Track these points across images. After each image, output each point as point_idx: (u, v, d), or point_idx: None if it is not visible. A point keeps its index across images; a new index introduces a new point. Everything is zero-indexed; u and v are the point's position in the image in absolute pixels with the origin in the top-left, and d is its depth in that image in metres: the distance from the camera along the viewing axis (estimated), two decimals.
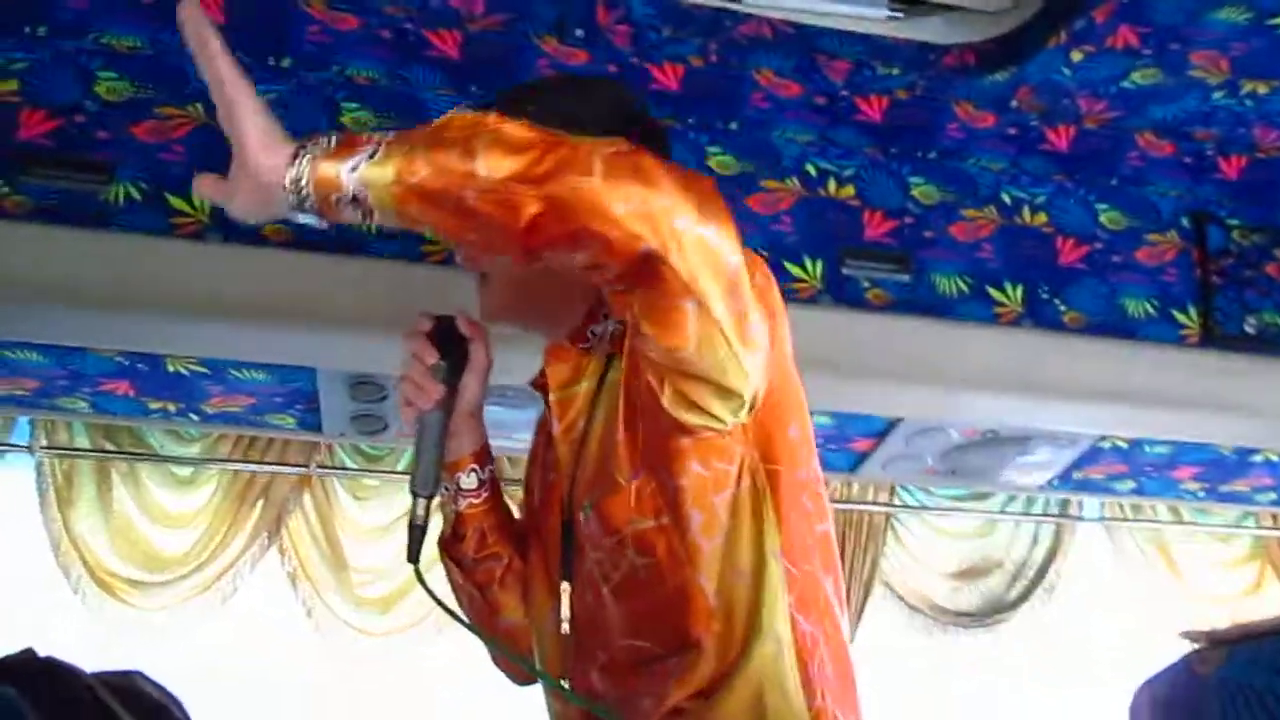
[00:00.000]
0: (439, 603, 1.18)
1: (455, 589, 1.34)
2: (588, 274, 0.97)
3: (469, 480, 1.28)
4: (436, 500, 1.20)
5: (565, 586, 1.17)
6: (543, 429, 1.36)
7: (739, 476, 1.11)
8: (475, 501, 1.29)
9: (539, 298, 1.26)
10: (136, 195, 1.70)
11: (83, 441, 2.57)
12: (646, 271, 0.92)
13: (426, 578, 1.16)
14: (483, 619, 1.32)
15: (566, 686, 1.14)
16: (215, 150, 1.70)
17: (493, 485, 1.31)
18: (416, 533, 1.16)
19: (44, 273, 1.63)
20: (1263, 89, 1.84)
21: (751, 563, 1.10)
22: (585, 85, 1.43)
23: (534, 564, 1.28)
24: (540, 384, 1.27)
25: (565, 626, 1.16)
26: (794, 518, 1.13)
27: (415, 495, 1.17)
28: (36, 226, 1.65)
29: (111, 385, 2.11)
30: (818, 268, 1.95)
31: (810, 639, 1.11)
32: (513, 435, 1.95)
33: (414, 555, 1.16)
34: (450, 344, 1.22)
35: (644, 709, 1.11)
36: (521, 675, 1.38)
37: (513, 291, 1.27)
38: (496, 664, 1.39)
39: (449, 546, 1.30)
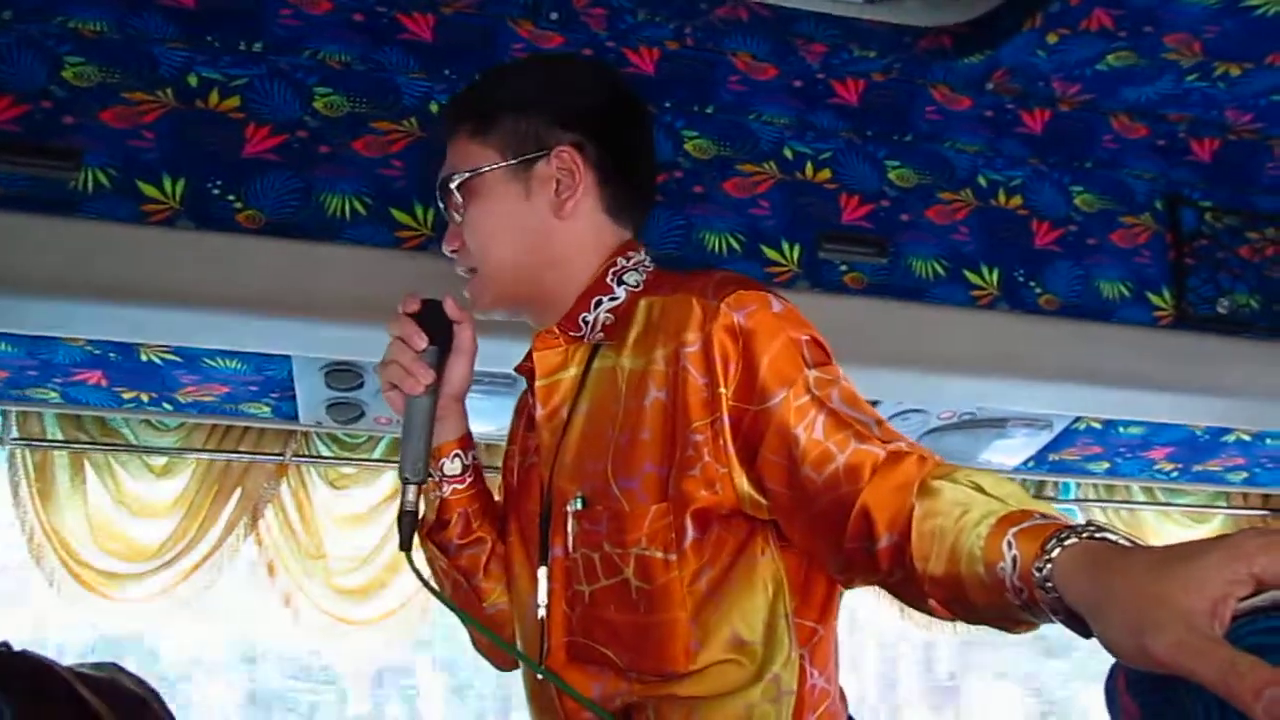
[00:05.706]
0: (429, 588, 1.18)
1: (439, 575, 1.33)
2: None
3: (453, 466, 1.28)
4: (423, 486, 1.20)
5: (543, 571, 1.16)
6: (521, 412, 1.35)
7: (759, 537, 1.11)
8: (459, 487, 1.28)
9: (537, 286, 1.26)
10: (105, 182, 1.67)
11: (55, 432, 2.54)
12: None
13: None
14: (468, 605, 1.32)
15: (546, 670, 1.13)
16: (185, 135, 1.71)
17: (475, 471, 1.31)
18: (408, 518, 1.16)
19: (12, 261, 1.60)
20: (1235, 71, 1.85)
21: (763, 616, 1.09)
22: (561, 69, 1.38)
23: (513, 545, 1.27)
24: (525, 368, 1.26)
25: (542, 611, 1.15)
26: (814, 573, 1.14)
27: (406, 482, 1.16)
28: (3, 215, 1.62)
29: (83, 375, 2.08)
30: (795, 252, 1.95)
31: (818, 693, 1.11)
32: (494, 421, 1.94)
33: (406, 543, 1.16)
34: (436, 327, 1.21)
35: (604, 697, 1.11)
36: (503, 660, 1.38)
37: (510, 280, 1.26)
38: (477, 648, 1.39)
39: (433, 533, 1.29)
